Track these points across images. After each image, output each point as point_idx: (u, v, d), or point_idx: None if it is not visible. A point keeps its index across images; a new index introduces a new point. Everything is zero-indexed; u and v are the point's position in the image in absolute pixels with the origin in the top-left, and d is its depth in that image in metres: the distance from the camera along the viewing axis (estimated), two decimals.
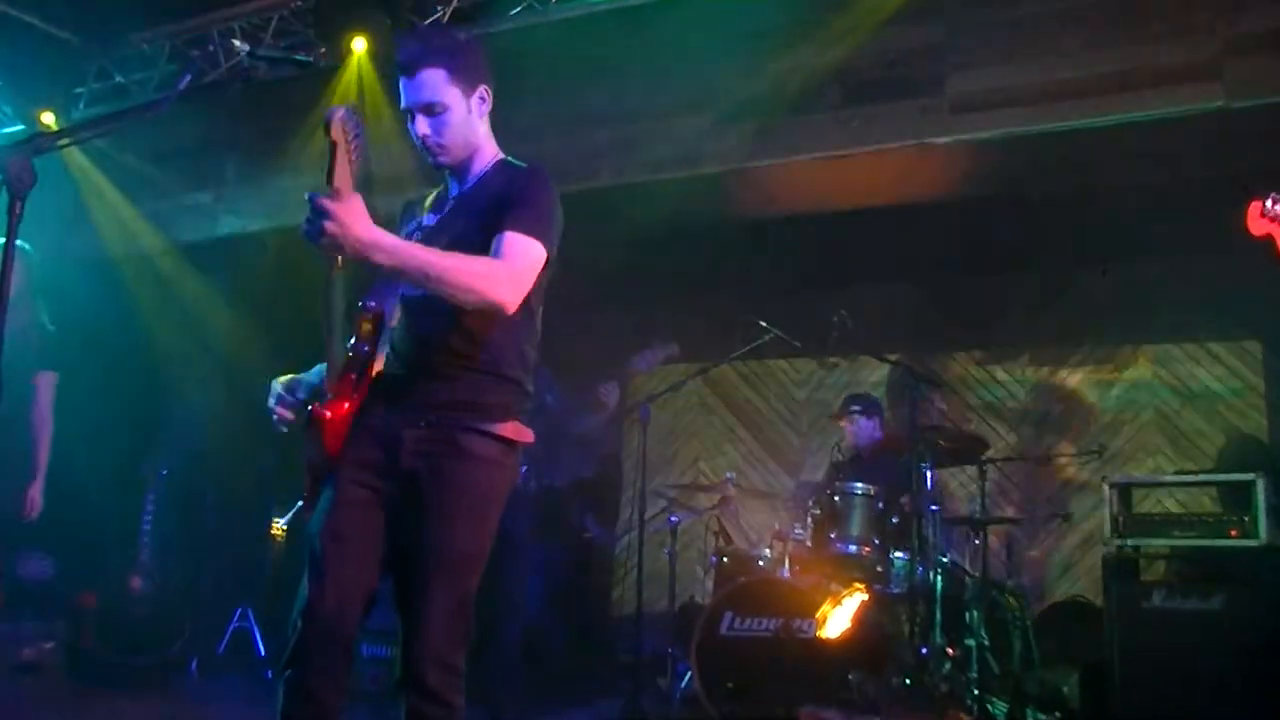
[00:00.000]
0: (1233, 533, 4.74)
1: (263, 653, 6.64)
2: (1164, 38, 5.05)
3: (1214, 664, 4.49)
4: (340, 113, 2.40)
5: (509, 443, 2.68)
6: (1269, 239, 2.66)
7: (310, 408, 2.62)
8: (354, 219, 2.32)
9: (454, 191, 2.87)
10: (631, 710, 5.28)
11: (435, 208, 2.87)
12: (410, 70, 2.71)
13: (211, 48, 6.59)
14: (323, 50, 6.02)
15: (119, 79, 7.06)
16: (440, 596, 2.57)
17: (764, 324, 5.90)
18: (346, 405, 2.61)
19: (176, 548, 6.88)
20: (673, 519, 6.32)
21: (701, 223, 6.70)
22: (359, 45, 6.06)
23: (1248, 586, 4.61)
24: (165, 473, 6.54)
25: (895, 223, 6.45)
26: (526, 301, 2.63)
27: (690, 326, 7.65)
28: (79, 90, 7.09)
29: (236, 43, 6.34)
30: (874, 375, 7.58)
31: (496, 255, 2.56)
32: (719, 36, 5.73)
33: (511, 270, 2.55)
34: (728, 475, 6.37)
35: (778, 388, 8.16)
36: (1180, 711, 4.48)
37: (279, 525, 7.05)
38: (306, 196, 2.36)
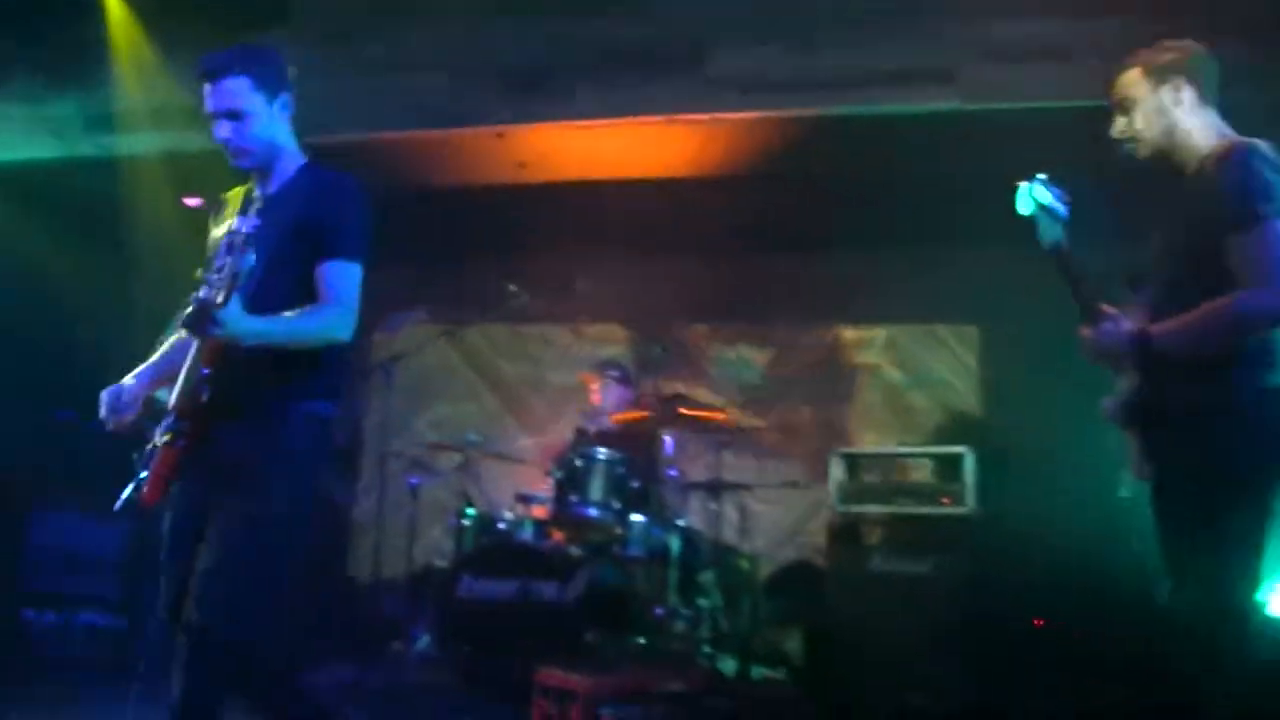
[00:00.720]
0: (944, 501, 5.10)
1: None
2: (907, 39, 5.32)
3: (923, 621, 4.83)
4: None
5: (309, 418, 2.88)
6: (1032, 219, 2.85)
7: (155, 442, 2.79)
8: (237, 320, 2.62)
9: (259, 191, 2.98)
10: (367, 675, 5.19)
11: (244, 209, 2.93)
12: (214, 77, 2.87)
13: None
14: None
15: None
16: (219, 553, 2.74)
17: (513, 288, 5.88)
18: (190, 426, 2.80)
19: None
20: (413, 481, 6.24)
21: (452, 184, 6.61)
22: None
23: (955, 550, 4.97)
24: None
25: (647, 196, 6.54)
26: None
27: (438, 288, 7.57)
28: None
29: None
30: (620, 344, 7.71)
31: (325, 289, 2.83)
32: None
33: (345, 309, 2.83)
34: (470, 437, 6.30)
35: (524, 352, 8.18)
36: (893, 665, 4.79)
37: None
38: (194, 299, 2.64)
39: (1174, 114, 2.90)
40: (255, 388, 2.79)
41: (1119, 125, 2.98)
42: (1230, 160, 2.73)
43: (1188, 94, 2.89)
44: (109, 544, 6.11)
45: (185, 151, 5.84)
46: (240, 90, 2.86)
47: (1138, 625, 4.09)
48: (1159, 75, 2.91)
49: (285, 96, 2.95)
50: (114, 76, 5.95)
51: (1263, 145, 2.72)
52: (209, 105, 2.89)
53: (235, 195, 3.09)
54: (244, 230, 2.75)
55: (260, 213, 2.84)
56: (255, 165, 2.97)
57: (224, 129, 2.88)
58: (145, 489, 2.74)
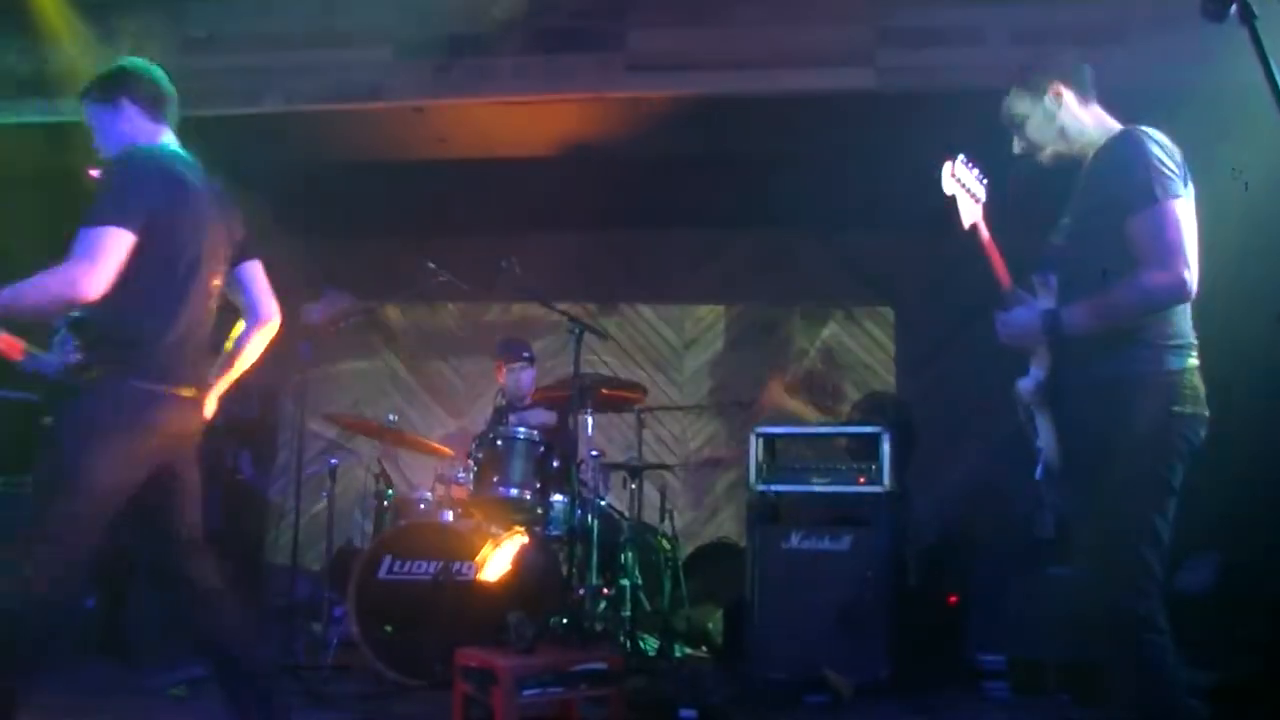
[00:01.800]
0: (860, 480, 5.15)
1: None
2: (826, 22, 5.37)
3: (839, 597, 4.90)
4: None
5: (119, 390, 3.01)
6: (953, 199, 2.90)
7: None
8: None
9: None
10: (284, 657, 5.13)
11: None
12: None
13: None
14: None
15: None
16: None
17: (433, 266, 5.82)
18: None
19: None
20: (332, 461, 6.16)
21: (372, 159, 6.52)
22: None
23: (871, 528, 5.04)
24: None
25: (568, 172, 6.53)
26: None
27: (357, 265, 7.48)
28: None
29: None
30: (539, 323, 7.70)
31: None
32: None
33: (66, 268, 2.87)
34: (389, 417, 6.23)
35: (443, 331, 8.13)
36: (808, 641, 4.85)
37: None
38: None
39: (1060, 118, 3.00)
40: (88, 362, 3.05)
41: (1017, 145, 3.09)
42: (1124, 146, 2.83)
43: (1068, 96, 3.00)
44: None
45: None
46: (86, 109, 3.31)
47: (1053, 600, 4.22)
48: (1036, 86, 3.02)
49: (123, 99, 3.27)
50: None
51: (1152, 130, 2.82)
52: None
53: None
54: None
55: None
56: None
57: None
58: None
